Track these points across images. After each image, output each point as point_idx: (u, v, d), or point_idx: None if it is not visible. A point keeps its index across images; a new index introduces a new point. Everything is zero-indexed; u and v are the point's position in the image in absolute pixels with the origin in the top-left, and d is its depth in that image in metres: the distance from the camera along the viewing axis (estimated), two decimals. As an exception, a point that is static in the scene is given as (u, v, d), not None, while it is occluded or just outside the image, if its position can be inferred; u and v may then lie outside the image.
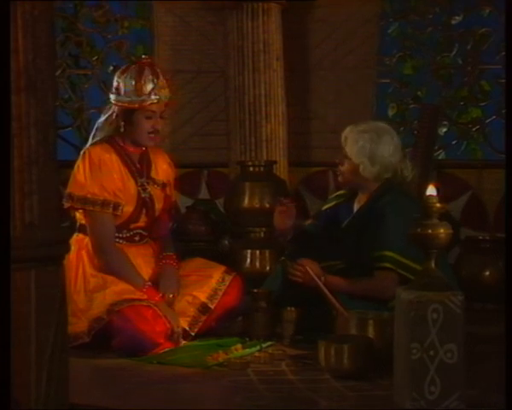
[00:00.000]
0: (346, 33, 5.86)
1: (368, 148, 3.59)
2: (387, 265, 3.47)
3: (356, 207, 3.76)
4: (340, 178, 3.76)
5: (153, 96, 3.63)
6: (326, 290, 3.46)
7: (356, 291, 3.51)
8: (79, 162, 3.65)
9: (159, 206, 3.81)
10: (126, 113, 3.67)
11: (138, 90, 3.62)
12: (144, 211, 3.75)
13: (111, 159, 3.68)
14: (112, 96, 3.72)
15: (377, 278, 3.50)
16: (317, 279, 3.50)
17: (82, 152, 3.71)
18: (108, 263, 3.61)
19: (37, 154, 2.08)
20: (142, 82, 3.63)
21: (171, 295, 3.65)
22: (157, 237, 3.85)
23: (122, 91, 3.66)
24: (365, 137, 3.61)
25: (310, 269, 3.52)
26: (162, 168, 3.86)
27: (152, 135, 3.69)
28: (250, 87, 5.47)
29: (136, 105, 3.63)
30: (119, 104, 3.67)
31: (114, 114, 3.70)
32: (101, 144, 3.71)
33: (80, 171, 3.63)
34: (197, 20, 5.91)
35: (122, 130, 3.69)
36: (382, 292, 3.40)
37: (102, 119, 3.78)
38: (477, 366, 3.06)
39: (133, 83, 3.64)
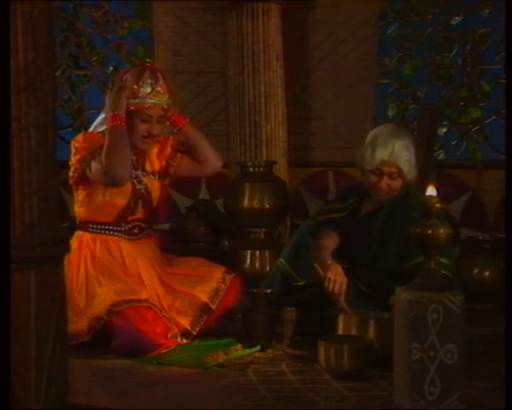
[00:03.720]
0: (345, 34, 5.87)
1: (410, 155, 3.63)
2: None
3: (363, 210, 3.74)
4: (383, 189, 3.62)
5: (149, 100, 3.62)
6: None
7: None
8: (73, 142, 3.66)
9: (156, 196, 3.80)
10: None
11: (135, 92, 3.61)
12: (141, 203, 3.74)
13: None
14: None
15: None
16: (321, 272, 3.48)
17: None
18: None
19: (36, 154, 2.09)
20: (140, 84, 3.61)
21: None
22: (157, 226, 3.85)
23: None
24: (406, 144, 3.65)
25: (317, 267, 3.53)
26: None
27: (146, 139, 3.68)
28: (250, 87, 5.48)
29: (132, 107, 3.62)
30: None
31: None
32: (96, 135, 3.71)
33: (74, 145, 3.62)
34: (197, 21, 5.92)
35: None
36: None
37: (100, 117, 3.78)
38: (477, 365, 3.07)
39: (130, 85, 3.62)
